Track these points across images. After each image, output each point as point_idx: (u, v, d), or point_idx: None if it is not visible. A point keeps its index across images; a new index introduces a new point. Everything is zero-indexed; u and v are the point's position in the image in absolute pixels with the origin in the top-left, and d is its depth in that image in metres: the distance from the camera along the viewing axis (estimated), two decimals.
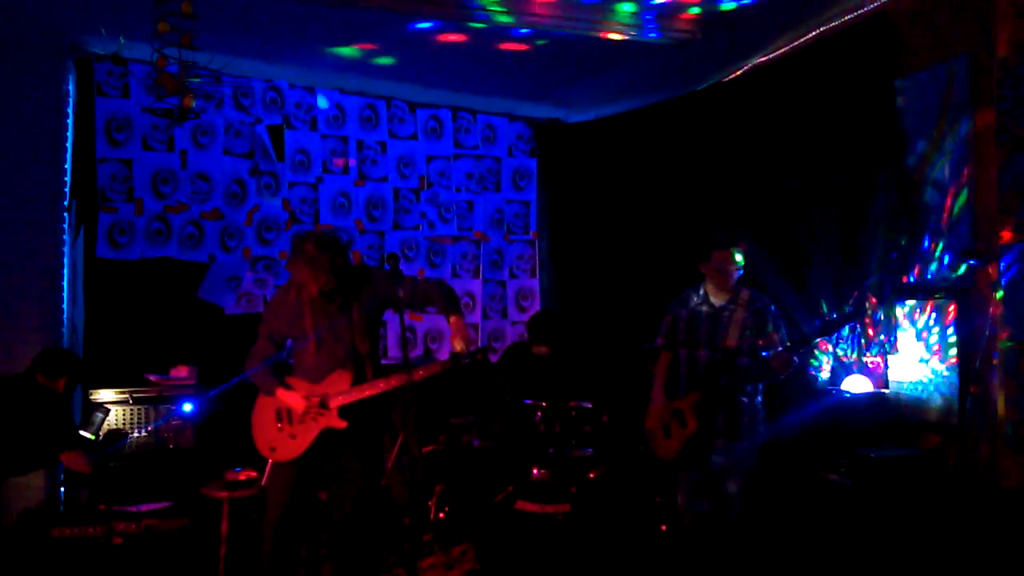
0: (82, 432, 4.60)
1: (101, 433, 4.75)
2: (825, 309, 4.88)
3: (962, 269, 4.29)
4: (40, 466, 4.71)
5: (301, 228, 6.11)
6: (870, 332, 4.74)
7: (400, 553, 4.66)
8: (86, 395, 5.10)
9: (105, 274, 5.56)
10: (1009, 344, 3.99)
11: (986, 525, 3.77)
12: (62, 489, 4.95)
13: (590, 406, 5.07)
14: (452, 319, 4.09)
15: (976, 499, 3.92)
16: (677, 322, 4.30)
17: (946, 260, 4.39)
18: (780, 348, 4.02)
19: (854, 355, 4.80)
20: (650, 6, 4.99)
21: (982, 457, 4.08)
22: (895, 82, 4.65)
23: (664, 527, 4.69)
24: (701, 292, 4.26)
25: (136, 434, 4.96)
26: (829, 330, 4.06)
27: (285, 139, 6.16)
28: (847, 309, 4.73)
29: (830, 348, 4.93)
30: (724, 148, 5.73)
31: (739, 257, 4.13)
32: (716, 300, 4.21)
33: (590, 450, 5.05)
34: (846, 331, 4.79)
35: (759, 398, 4.17)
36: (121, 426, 4.99)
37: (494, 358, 6.51)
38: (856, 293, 4.79)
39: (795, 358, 3.95)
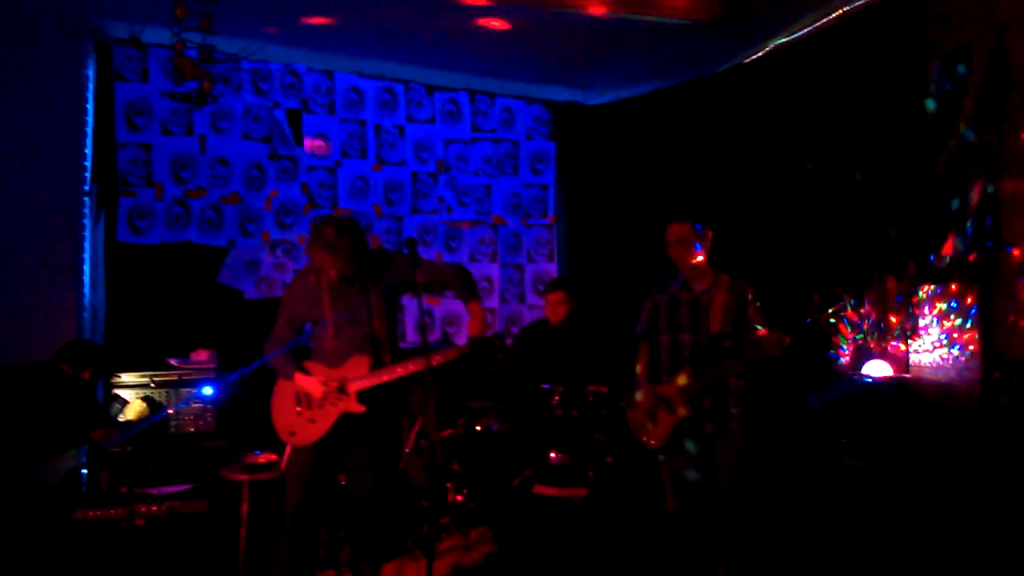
0: None
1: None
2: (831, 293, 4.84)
3: (986, 252, 4.23)
4: (71, 446, 4.79)
5: (320, 212, 6.12)
6: (891, 317, 4.70)
7: (418, 536, 4.68)
8: (107, 380, 5.15)
9: (126, 258, 5.60)
10: None
11: (1008, 510, 3.74)
12: (84, 471, 5.00)
13: (606, 390, 5.06)
14: (471, 304, 4.09)
15: (999, 484, 3.88)
16: (657, 309, 4.28)
17: (970, 243, 4.34)
18: (764, 329, 4.01)
19: (875, 339, 4.76)
20: None
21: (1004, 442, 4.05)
22: (922, 64, 4.57)
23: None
24: (680, 278, 4.24)
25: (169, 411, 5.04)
26: (821, 309, 4.00)
27: (303, 123, 6.16)
28: (842, 289, 4.69)
29: (850, 332, 4.89)
30: (746, 130, 5.68)
31: (693, 235, 4.10)
32: (695, 285, 4.19)
33: (606, 435, 5.05)
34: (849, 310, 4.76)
35: (743, 380, 4.15)
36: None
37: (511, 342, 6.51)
38: (878, 277, 4.75)
39: (786, 338, 3.92)
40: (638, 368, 4.31)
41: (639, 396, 4.23)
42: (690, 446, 4.11)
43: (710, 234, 4.19)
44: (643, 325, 4.34)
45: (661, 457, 4.21)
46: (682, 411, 4.06)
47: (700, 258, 4.14)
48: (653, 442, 4.16)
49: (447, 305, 6.61)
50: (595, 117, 6.96)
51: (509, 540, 4.74)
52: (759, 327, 4.06)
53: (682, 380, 4.07)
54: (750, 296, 4.13)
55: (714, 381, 4.03)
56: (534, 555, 4.62)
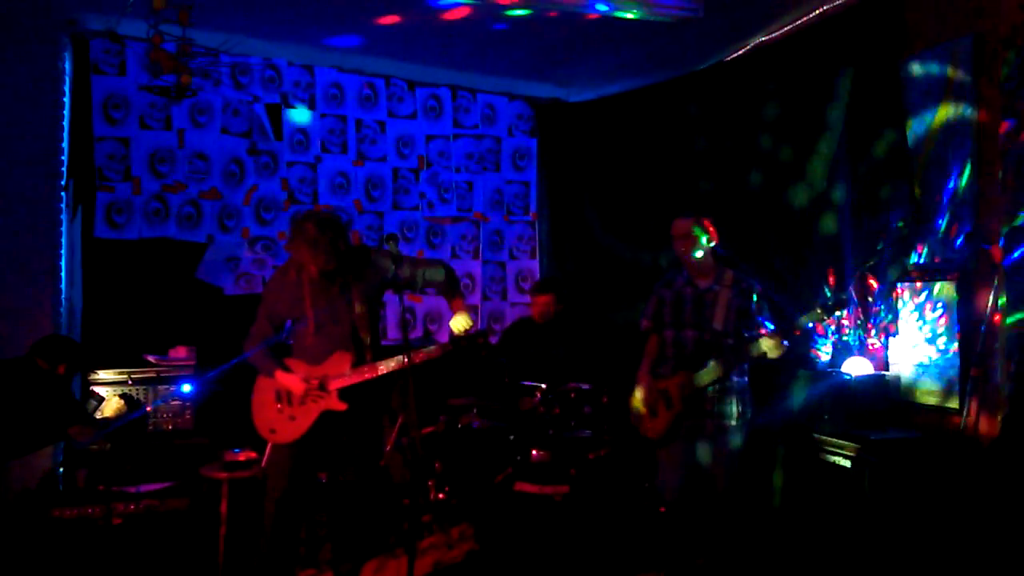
0: None
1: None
2: (826, 292, 4.86)
3: (964, 251, 4.27)
4: (47, 443, 4.74)
5: (300, 208, 6.07)
6: (871, 313, 4.73)
7: (400, 533, 4.67)
8: (84, 377, 5.09)
9: (103, 254, 5.52)
10: (1011, 322, 3.98)
11: (985, 506, 3.77)
12: (60, 469, 4.94)
13: (589, 388, 5.06)
14: (453, 302, 4.08)
15: (976, 480, 3.91)
16: (662, 304, 4.30)
17: (948, 242, 4.37)
18: (766, 329, 4.03)
19: (855, 336, 4.79)
20: None
21: (982, 439, 4.08)
22: (899, 62, 4.61)
23: (663, 508, 4.69)
24: (685, 273, 4.25)
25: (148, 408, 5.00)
26: (824, 314, 4.01)
27: (283, 118, 6.11)
28: (845, 293, 4.71)
29: (831, 330, 4.91)
30: (727, 128, 5.69)
31: (697, 231, 4.11)
32: (700, 281, 4.20)
33: (589, 432, 5.05)
34: (844, 313, 4.78)
35: (746, 378, 4.17)
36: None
37: (494, 340, 6.49)
38: (857, 275, 4.78)
39: (785, 341, 3.93)
40: (642, 360, 4.32)
41: (640, 389, 4.24)
42: (688, 441, 4.12)
43: (714, 231, 4.18)
44: (648, 319, 4.35)
45: (664, 452, 4.23)
46: (679, 407, 4.07)
47: (701, 253, 4.13)
48: (651, 435, 4.19)
49: (429, 302, 6.59)
50: (577, 114, 6.95)
51: (490, 538, 4.73)
52: (762, 327, 4.06)
53: (683, 376, 4.08)
54: (755, 294, 4.14)
55: (719, 378, 4.05)
56: (515, 553, 4.61)
